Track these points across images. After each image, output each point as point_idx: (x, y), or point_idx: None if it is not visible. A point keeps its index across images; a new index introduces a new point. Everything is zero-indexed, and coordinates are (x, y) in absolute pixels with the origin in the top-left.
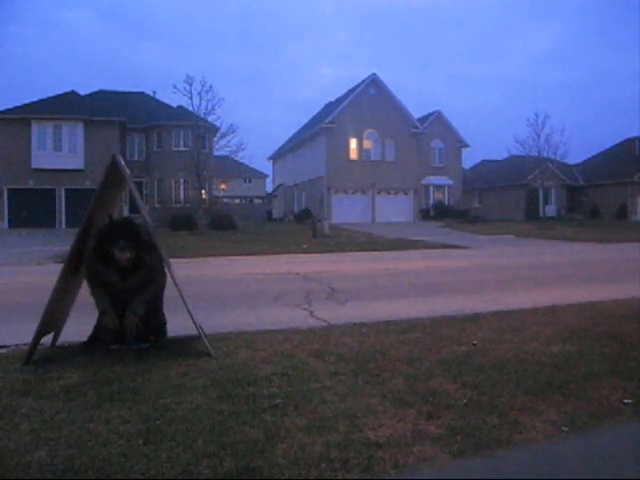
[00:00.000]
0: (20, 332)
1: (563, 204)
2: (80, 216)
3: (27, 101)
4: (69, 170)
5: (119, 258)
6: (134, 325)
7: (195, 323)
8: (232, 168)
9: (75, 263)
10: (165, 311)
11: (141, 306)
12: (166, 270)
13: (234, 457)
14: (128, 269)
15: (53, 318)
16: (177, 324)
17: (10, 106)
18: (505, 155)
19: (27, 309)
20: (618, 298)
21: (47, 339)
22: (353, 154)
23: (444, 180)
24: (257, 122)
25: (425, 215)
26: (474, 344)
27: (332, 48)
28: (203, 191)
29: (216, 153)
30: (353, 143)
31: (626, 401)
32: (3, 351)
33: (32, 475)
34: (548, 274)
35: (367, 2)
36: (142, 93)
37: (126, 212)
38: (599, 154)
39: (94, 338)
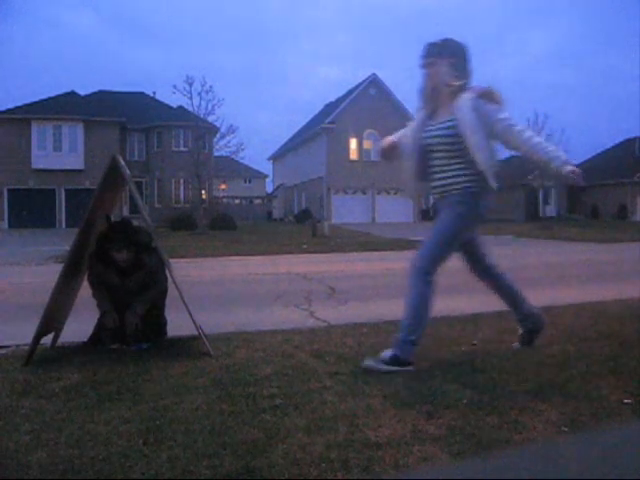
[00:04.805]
0: (20, 332)
1: (563, 204)
2: (80, 216)
3: (27, 101)
4: (69, 170)
5: (117, 259)
6: (134, 325)
7: (195, 323)
8: (232, 168)
9: (75, 263)
10: (165, 311)
11: (141, 306)
12: (166, 271)
13: (234, 457)
14: (128, 270)
15: (53, 318)
16: (177, 324)
17: (10, 106)
18: (505, 155)
19: (27, 309)
20: (618, 298)
21: (47, 339)
22: (353, 154)
23: None
24: (257, 122)
25: (425, 215)
26: (474, 344)
27: (332, 48)
28: (203, 191)
29: (216, 153)
30: (353, 143)
31: (626, 401)
32: (3, 351)
33: (32, 475)
34: (548, 274)
35: (367, 2)
36: (142, 93)
37: (126, 212)
38: (599, 154)
39: (94, 338)
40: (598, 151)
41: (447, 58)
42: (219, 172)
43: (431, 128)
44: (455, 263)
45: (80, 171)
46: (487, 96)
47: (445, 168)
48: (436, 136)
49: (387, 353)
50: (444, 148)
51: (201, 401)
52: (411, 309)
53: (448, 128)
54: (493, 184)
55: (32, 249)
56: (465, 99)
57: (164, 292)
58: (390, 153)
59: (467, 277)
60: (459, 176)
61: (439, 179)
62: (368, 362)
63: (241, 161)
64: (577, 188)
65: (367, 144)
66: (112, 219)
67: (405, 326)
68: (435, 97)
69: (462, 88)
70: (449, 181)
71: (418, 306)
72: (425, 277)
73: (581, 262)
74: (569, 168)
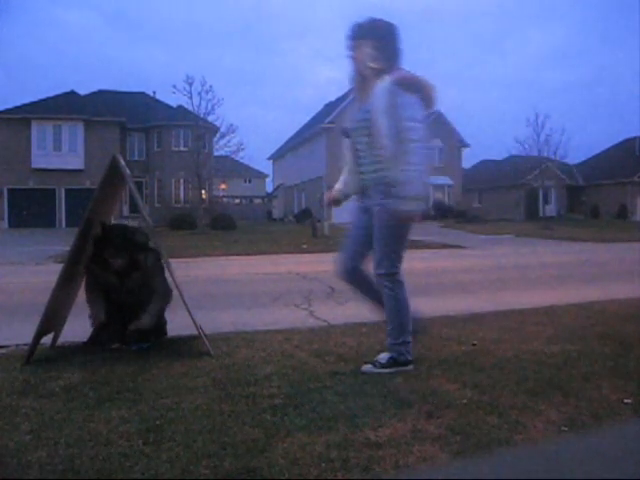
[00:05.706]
0: (20, 332)
1: (563, 204)
2: (80, 216)
3: (27, 101)
4: (69, 170)
5: (112, 264)
6: (136, 334)
7: (195, 323)
8: (232, 168)
9: (75, 263)
10: (165, 311)
11: (149, 318)
12: (166, 271)
13: (234, 457)
14: (125, 270)
15: (53, 318)
16: (177, 324)
17: (10, 106)
18: (505, 155)
19: (27, 309)
20: (618, 298)
21: (47, 339)
22: None
23: (444, 180)
24: (257, 122)
25: (425, 215)
26: (474, 344)
27: (332, 48)
28: (203, 191)
29: (216, 153)
30: None
31: (626, 401)
32: (3, 351)
33: (32, 475)
34: (548, 274)
35: (367, 2)
36: (142, 93)
37: (126, 212)
38: (599, 154)
39: (94, 338)
40: (598, 151)
41: (371, 40)
42: (219, 172)
43: (354, 114)
44: (455, 263)
45: (80, 171)
46: (407, 83)
47: (367, 156)
48: (357, 121)
49: (384, 356)
50: (365, 138)
51: (201, 401)
52: (389, 315)
53: (367, 112)
54: (395, 175)
55: (32, 249)
56: (384, 81)
57: (169, 296)
58: (337, 202)
59: (466, 277)
60: (380, 162)
61: (365, 164)
62: (366, 367)
63: (241, 161)
64: (577, 188)
65: None
66: (110, 222)
67: (389, 332)
68: (362, 82)
69: (384, 71)
70: (373, 167)
71: (395, 310)
72: (391, 279)
73: (580, 262)
74: (404, 208)
